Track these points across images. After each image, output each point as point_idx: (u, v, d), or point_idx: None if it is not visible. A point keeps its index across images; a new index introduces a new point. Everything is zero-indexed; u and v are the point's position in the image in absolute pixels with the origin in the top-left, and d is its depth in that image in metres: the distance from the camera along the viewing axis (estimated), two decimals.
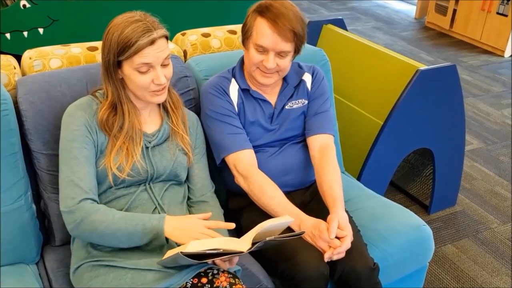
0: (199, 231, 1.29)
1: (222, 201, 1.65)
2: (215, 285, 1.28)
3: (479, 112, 3.92)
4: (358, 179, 2.32)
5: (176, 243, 1.35)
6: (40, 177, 1.56)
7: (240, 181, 1.61)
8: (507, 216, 2.71)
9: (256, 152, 1.66)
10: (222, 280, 1.29)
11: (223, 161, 1.65)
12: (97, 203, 1.36)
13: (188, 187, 1.58)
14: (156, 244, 1.36)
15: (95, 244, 1.40)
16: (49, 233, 1.64)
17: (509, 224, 2.65)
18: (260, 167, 1.63)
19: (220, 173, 1.75)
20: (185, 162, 1.53)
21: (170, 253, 1.24)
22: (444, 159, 2.52)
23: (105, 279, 1.33)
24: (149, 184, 1.47)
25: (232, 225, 1.34)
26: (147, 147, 1.46)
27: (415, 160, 2.74)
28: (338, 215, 1.48)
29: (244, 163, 1.60)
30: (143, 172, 1.43)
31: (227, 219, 1.60)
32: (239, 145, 1.62)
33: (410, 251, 1.75)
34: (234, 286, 1.28)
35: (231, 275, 1.31)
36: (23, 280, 1.46)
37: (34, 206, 1.55)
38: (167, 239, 1.32)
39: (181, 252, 1.15)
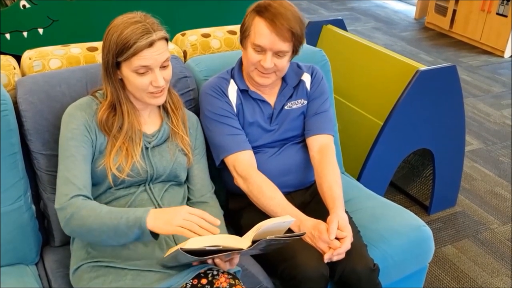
0: (182, 217, 1.21)
1: (222, 202, 1.65)
2: (215, 286, 1.28)
3: (479, 113, 3.92)
4: (358, 179, 2.32)
5: (176, 241, 1.35)
6: (40, 177, 1.56)
7: (239, 182, 1.61)
8: (507, 216, 2.71)
9: (255, 153, 1.66)
10: (222, 281, 1.29)
11: (223, 162, 1.64)
12: (91, 200, 1.34)
13: (188, 187, 1.58)
14: (149, 240, 1.33)
15: (95, 244, 1.39)
16: (49, 234, 1.64)
17: (509, 224, 2.64)
18: (260, 168, 1.63)
19: (220, 173, 1.75)
20: (185, 163, 1.53)
21: (170, 251, 1.24)
22: (444, 159, 2.52)
23: (105, 280, 1.32)
24: (148, 184, 1.46)
25: (217, 222, 1.25)
26: (146, 148, 1.46)
27: (415, 160, 2.74)
28: (338, 215, 1.48)
29: (243, 164, 1.60)
30: (143, 172, 1.43)
31: (227, 219, 1.60)
32: (238, 146, 1.62)
33: (410, 252, 1.75)
34: (234, 287, 1.28)
35: (231, 276, 1.31)
36: (23, 280, 1.46)
37: (33, 207, 1.55)
38: (154, 235, 1.25)
39: (180, 249, 1.15)
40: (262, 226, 1.24)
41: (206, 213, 1.24)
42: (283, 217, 1.31)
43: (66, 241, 1.58)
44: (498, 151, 3.38)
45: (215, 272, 1.31)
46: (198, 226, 1.20)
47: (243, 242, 1.24)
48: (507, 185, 2.99)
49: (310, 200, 1.73)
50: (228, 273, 1.32)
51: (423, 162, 2.68)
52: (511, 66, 4.88)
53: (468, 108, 3.95)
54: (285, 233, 1.32)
